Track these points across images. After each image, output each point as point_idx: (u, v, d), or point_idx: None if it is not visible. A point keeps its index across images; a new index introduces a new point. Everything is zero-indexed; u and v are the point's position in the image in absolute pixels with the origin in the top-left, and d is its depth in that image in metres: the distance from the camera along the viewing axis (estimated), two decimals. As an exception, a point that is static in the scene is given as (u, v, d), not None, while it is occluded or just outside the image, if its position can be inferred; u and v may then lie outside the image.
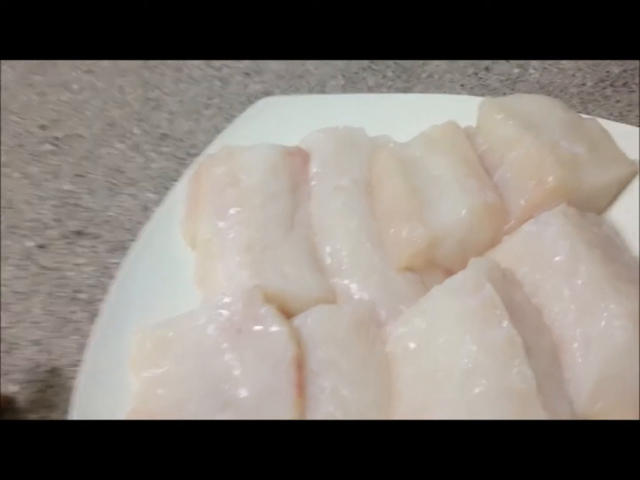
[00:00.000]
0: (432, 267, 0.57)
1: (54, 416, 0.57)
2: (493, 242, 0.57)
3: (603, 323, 0.48)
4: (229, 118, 0.77)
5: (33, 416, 0.57)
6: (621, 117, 0.70)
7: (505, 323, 0.48)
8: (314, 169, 0.64)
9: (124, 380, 0.52)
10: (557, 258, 0.52)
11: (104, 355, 0.54)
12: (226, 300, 0.54)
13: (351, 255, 0.58)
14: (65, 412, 0.57)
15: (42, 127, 0.81)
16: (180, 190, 0.65)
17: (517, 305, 0.51)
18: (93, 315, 0.62)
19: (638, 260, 0.53)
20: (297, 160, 0.64)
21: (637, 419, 0.47)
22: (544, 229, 0.54)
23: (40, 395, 0.58)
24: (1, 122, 0.82)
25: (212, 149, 0.67)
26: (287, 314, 0.54)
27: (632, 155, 0.59)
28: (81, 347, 0.60)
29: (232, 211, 0.60)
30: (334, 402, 0.49)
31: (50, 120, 0.82)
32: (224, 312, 0.53)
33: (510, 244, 0.56)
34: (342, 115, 0.67)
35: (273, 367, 0.51)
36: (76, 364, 0.59)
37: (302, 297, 0.56)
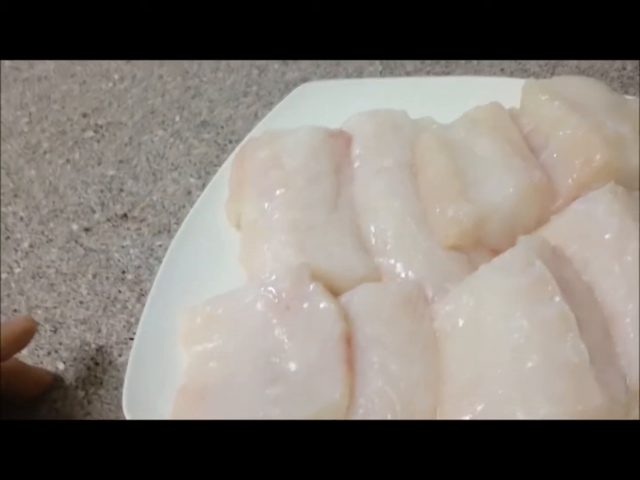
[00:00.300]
0: (479, 246, 0.57)
1: (102, 392, 0.58)
2: (540, 222, 0.57)
3: (656, 298, 0.47)
4: (268, 105, 0.78)
5: (80, 393, 0.58)
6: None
7: (557, 298, 0.48)
8: (356, 151, 0.64)
9: (174, 357, 0.53)
10: (606, 235, 0.52)
11: (154, 333, 0.55)
12: (273, 277, 0.54)
13: (396, 235, 0.58)
14: (113, 388, 0.58)
15: (84, 115, 0.83)
16: (223, 174, 0.65)
17: (567, 282, 0.51)
18: (140, 295, 0.63)
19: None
20: (339, 142, 0.64)
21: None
22: (592, 207, 0.54)
23: (88, 372, 0.59)
24: (43, 111, 0.84)
25: (254, 133, 0.68)
26: (333, 292, 0.55)
27: (679, 133, 0.59)
28: (128, 326, 0.62)
29: (276, 192, 0.60)
30: (383, 377, 0.49)
31: (92, 109, 0.83)
32: (272, 290, 0.54)
33: (559, 222, 0.55)
34: (383, 99, 0.67)
35: (322, 343, 0.51)
36: (123, 342, 0.61)
37: (347, 275, 0.56)
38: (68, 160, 0.78)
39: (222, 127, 0.78)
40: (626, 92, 0.73)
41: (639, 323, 0.48)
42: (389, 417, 0.48)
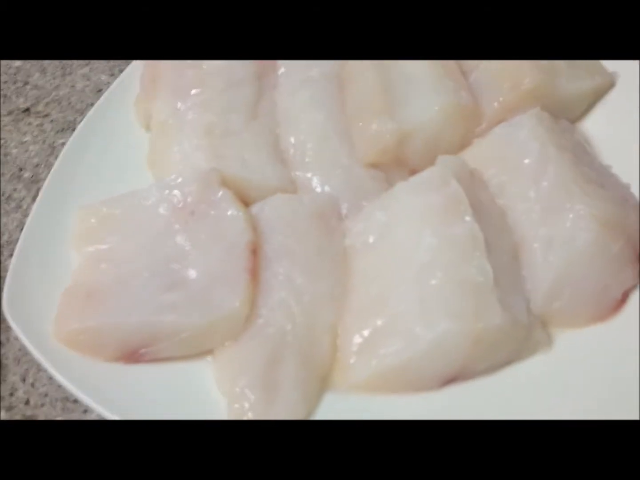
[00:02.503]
0: (400, 165, 0.55)
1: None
2: (464, 144, 0.55)
3: (568, 224, 0.47)
4: None
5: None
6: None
7: (468, 218, 0.47)
8: (282, 57, 0.60)
9: (64, 258, 0.50)
10: (525, 160, 0.51)
11: (42, 232, 0.51)
12: (180, 180, 0.51)
13: (316, 148, 0.55)
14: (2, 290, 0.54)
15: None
16: (135, 69, 0.60)
17: (481, 205, 0.49)
18: (36, 195, 0.58)
19: (607, 167, 0.52)
20: (265, 46, 0.60)
21: (594, 323, 0.47)
22: (515, 131, 0.52)
23: (-24, 273, 0.55)
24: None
25: (175, 28, 0.62)
26: (245, 202, 0.52)
27: (611, 67, 0.58)
28: (21, 225, 0.57)
29: (191, 92, 0.56)
30: (287, 289, 0.47)
31: (-1, -7, 0.75)
32: (177, 193, 0.51)
33: (481, 145, 0.54)
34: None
35: (226, 251, 0.48)
36: (15, 242, 0.56)
37: (261, 185, 0.53)
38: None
39: (143, 24, 0.72)
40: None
41: (547, 249, 0.47)
42: (289, 328, 0.46)
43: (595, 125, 0.56)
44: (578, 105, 0.57)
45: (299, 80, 0.59)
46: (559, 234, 0.47)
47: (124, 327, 0.45)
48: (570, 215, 0.47)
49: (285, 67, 0.60)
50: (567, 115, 0.56)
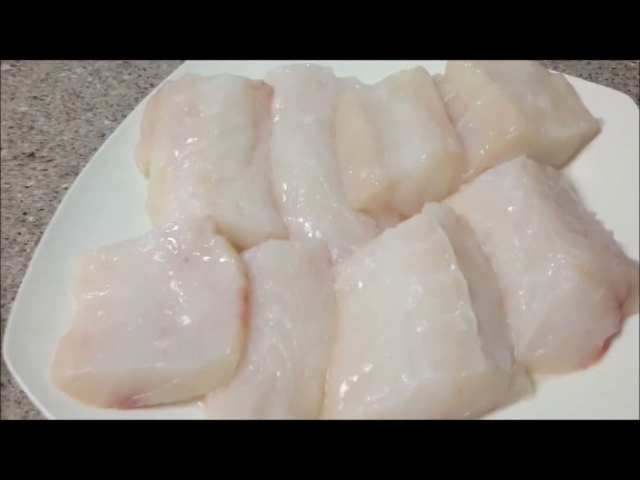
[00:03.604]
0: (389, 211, 0.57)
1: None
2: (451, 190, 0.57)
3: (550, 272, 0.48)
4: (196, 51, 0.75)
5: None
6: (590, 80, 0.70)
7: (453, 266, 0.48)
8: (277, 104, 0.62)
9: (63, 304, 0.51)
10: (510, 208, 0.52)
11: (43, 278, 0.53)
12: (175, 228, 0.53)
13: (307, 194, 0.57)
14: (4, 332, 0.55)
15: (0, 46, 0.78)
16: (136, 116, 0.62)
17: (467, 251, 0.51)
18: (39, 239, 0.60)
19: (592, 214, 0.53)
20: (260, 94, 0.62)
21: (577, 370, 0.48)
22: (500, 178, 0.54)
23: (-20, 316, 0.57)
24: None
25: (174, 76, 0.65)
26: (238, 248, 0.54)
27: (596, 113, 0.59)
28: (25, 269, 0.58)
29: (189, 141, 0.58)
30: (277, 334, 0.49)
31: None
32: (172, 240, 0.52)
33: (467, 192, 0.55)
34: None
35: (218, 297, 0.50)
36: (18, 285, 0.57)
37: (254, 231, 0.55)
38: (-21, 93, 0.73)
39: (145, 69, 0.74)
40: (556, 68, 0.73)
41: (531, 297, 0.48)
42: (278, 375, 0.47)
43: (581, 171, 0.58)
44: (564, 151, 0.58)
45: (292, 127, 0.61)
46: (542, 283, 0.48)
47: (117, 374, 0.46)
48: (552, 264, 0.48)
49: (280, 115, 0.62)
50: (553, 161, 0.58)
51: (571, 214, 0.52)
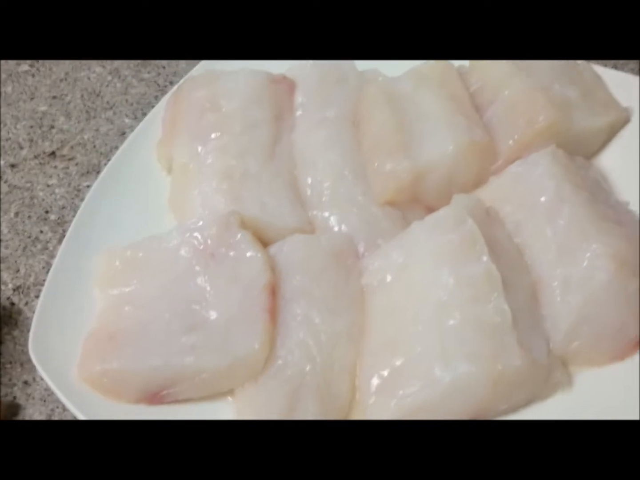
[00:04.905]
0: (415, 203, 0.56)
1: (15, 333, 0.55)
2: (479, 181, 0.55)
3: (585, 263, 0.47)
4: (215, 48, 0.74)
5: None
6: (616, 69, 0.68)
7: (485, 258, 0.47)
8: (299, 99, 0.62)
9: (89, 301, 0.51)
10: (541, 198, 0.51)
11: (68, 275, 0.52)
12: (200, 223, 0.52)
13: (332, 188, 0.56)
14: (28, 330, 0.55)
15: (19, 47, 0.78)
16: (157, 114, 0.62)
17: (498, 243, 0.50)
18: (62, 237, 0.60)
19: (624, 204, 0.52)
20: (282, 88, 0.61)
21: (613, 362, 0.47)
22: (530, 169, 0.53)
23: (3, 312, 0.57)
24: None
25: (194, 72, 0.64)
26: (264, 242, 0.53)
27: (625, 102, 0.58)
28: (48, 267, 0.59)
29: (211, 136, 0.58)
30: (305, 329, 0.48)
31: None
32: (198, 236, 0.52)
33: (496, 183, 0.54)
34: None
35: (245, 292, 0.49)
36: (41, 283, 0.57)
37: (279, 226, 0.54)
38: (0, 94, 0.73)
39: (164, 68, 0.74)
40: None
41: (565, 288, 0.47)
42: (308, 369, 0.46)
43: (611, 161, 0.57)
44: (593, 141, 0.57)
45: (315, 121, 0.60)
46: (576, 274, 0.47)
47: (145, 370, 0.45)
48: (587, 255, 0.47)
49: (302, 109, 0.61)
50: (582, 151, 0.56)
51: (604, 203, 0.51)
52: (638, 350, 0.47)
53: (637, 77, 0.60)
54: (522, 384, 0.44)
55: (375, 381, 0.46)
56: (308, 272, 0.51)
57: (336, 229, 0.55)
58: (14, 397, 0.53)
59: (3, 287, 0.58)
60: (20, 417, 0.51)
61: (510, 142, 0.55)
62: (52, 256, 0.59)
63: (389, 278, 0.50)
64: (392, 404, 0.45)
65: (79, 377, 0.47)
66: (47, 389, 0.52)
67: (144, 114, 0.69)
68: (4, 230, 0.61)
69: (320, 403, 0.46)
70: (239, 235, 0.52)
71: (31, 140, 0.68)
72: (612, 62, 0.71)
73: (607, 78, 0.60)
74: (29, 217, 0.62)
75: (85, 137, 0.68)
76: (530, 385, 0.45)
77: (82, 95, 0.72)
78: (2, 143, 0.68)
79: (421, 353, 0.45)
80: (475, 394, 0.44)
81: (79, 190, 0.64)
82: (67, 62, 0.76)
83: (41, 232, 0.61)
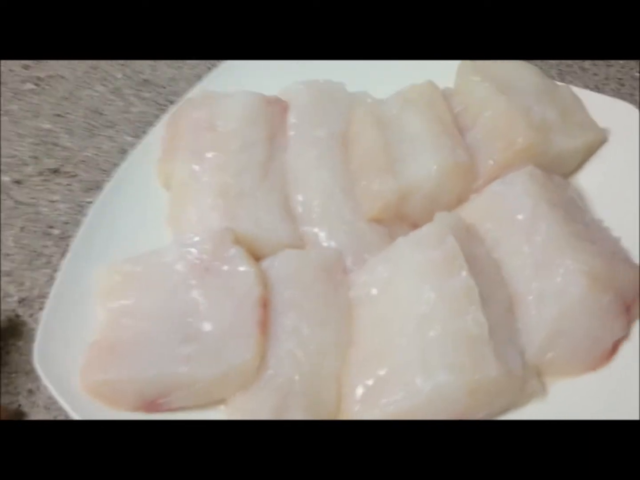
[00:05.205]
0: (401, 220, 0.58)
1: (20, 344, 0.58)
2: (461, 200, 0.58)
3: (559, 278, 0.50)
4: (212, 67, 0.77)
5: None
6: (597, 90, 0.71)
7: (464, 273, 0.50)
8: (292, 119, 0.64)
9: (90, 313, 0.53)
10: (519, 216, 0.54)
11: (71, 288, 0.55)
12: (196, 239, 0.55)
13: (322, 205, 0.59)
14: (32, 341, 0.57)
15: (25, 67, 0.81)
16: (157, 132, 0.65)
17: (477, 259, 0.52)
18: (65, 251, 0.63)
19: (599, 222, 0.55)
20: (276, 109, 0.64)
21: (587, 372, 0.49)
22: (508, 188, 0.55)
23: (8, 323, 0.59)
24: (-17, 60, 0.81)
25: (193, 94, 0.67)
26: (257, 257, 0.56)
27: (603, 123, 0.61)
28: (51, 280, 0.61)
29: (208, 155, 0.61)
30: (294, 340, 0.51)
31: (34, 61, 0.81)
32: (193, 251, 0.54)
33: (477, 201, 0.57)
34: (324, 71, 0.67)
35: (238, 305, 0.52)
36: (45, 296, 0.60)
37: (272, 242, 0.57)
38: (5, 112, 0.76)
39: (164, 87, 0.77)
40: (563, 80, 0.74)
41: (540, 302, 0.50)
42: (296, 378, 0.49)
43: (588, 180, 0.59)
44: (571, 161, 0.60)
45: (306, 141, 0.63)
46: (551, 288, 0.50)
47: (143, 379, 0.48)
48: (561, 270, 0.50)
49: (294, 129, 0.64)
50: (560, 170, 0.59)
51: (579, 221, 0.54)
52: (610, 361, 0.50)
53: (615, 99, 0.63)
54: (498, 392, 0.47)
55: (360, 390, 0.49)
56: (298, 285, 0.54)
57: (325, 244, 0.58)
58: (19, 405, 0.55)
59: (9, 300, 0.61)
60: (24, 424, 0.54)
61: (491, 162, 0.58)
62: (56, 270, 0.61)
63: (374, 291, 0.53)
64: (375, 412, 0.47)
65: (80, 386, 0.49)
66: (51, 397, 0.54)
67: (144, 132, 0.71)
68: (10, 244, 0.64)
69: (308, 410, 0.48)
70: (232, 251, 0.54)
71: (35, 158, 0.71)
72: (594, 82, 0.74)
73: (586, 99, 0.63)
74: (34, 232, 0.65)
75: (88, 154, 0.71)
76: (505, 394, 0.47)
77: (84, 114, 0.75)
78: (7, 160, 0.71)
79: (404, 363, 0.48)
80: (454, 402, 0.46)
81: (81, 206, 0.67)
82: (70, 80, 0.79)
83: (45, 246, 0.64)
